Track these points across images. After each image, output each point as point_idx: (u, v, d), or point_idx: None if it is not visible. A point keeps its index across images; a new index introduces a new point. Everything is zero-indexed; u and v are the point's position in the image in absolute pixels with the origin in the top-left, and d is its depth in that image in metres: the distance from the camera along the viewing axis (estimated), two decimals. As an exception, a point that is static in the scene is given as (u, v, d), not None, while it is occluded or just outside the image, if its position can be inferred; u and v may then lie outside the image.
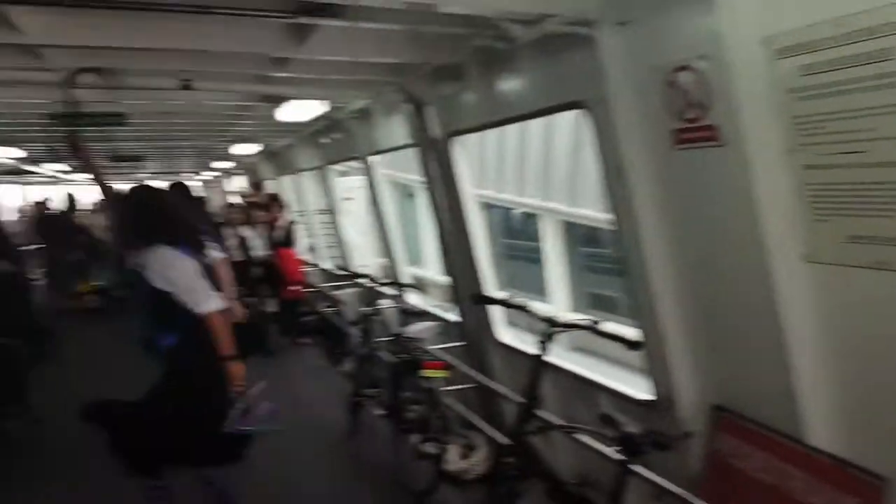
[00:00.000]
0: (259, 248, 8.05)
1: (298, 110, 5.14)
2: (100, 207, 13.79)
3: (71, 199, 12.54)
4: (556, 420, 3.10)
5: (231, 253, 6.38)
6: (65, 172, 14.63)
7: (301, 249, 8.46)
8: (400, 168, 11.20)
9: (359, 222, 10.30)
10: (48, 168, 13.00)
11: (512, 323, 4.93)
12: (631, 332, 2.99)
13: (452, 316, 5.49)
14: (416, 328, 5.40)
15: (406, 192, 12.37)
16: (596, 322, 2.78)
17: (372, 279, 5.43)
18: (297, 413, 5.51)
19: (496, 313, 4.83)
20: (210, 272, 3.19)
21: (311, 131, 7.44)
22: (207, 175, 17.15)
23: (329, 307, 8.11)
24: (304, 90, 4.81)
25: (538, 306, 3.30)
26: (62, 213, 11.85)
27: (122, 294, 11.20)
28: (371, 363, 5.06)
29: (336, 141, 7.25)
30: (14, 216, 13.82)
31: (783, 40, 2.20)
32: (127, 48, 3.70)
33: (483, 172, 11.75)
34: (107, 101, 5.61)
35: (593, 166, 4.15)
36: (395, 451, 4.36)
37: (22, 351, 5.19)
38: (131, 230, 3.17)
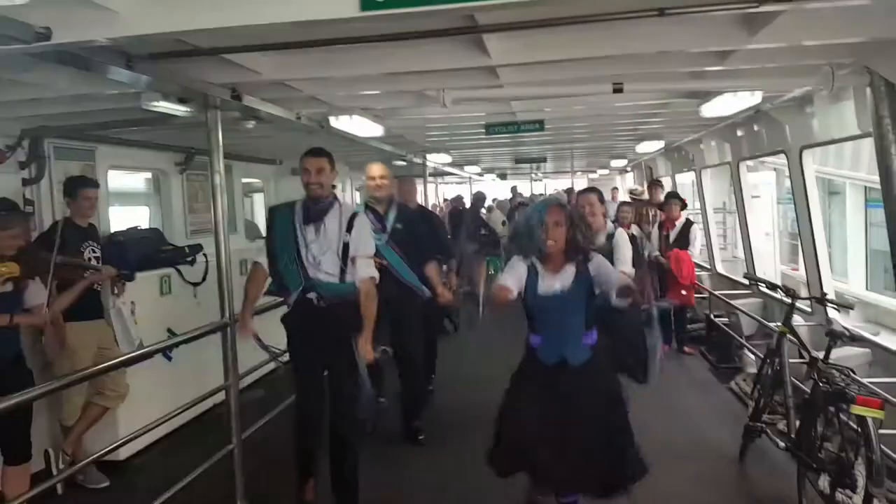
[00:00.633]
0: (650, 248, 7.92)
1: (728, 105, 4.80)
2: (497, 206, 15.47)
3: (478, 196, 14.23)
4: None
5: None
6: (478, 174, 16.70)
7: (696, 251, 8.00)
8: (821, 162, 9.92)
9: (761, 224, 9.40)
10: (468, 170, 14.95)
11: None
12: None
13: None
14: (845, 354, 4.63)
15: (828, 191, 10.83)
16: None
17: (787, 290, 4.80)
18: (678, 428, 5.22)
19: None
20: None
21: (724, 125, 6.95)
22: (601, 173, 17.67)
23: (718, 316, 7.55)
24: (739, 82, 4.47)
25: None
26: (468, 208, 13.51)
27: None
28: (776, 388, 4.47)
29: (755, 134, 6.64)
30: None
31: None
32: (565, 60, 3.89)
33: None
34: (531, 111, 6.14)
35: None
36: (798, 491, 3.79)
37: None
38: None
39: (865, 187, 10.70)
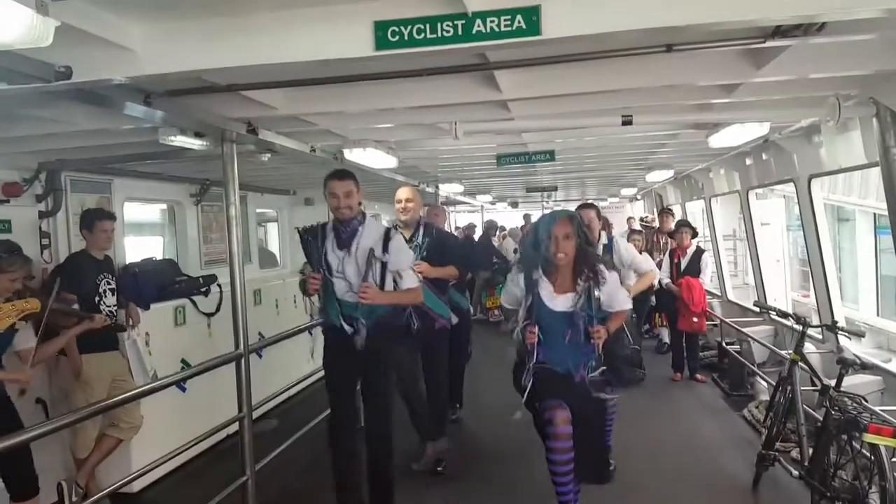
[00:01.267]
0: (659, 275, 7.91)
1: (736, 135, 4.85)
2: (509, 234, 15.58)
3: (490, 224, 14.35)
4: None
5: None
6: (490, 203, 16.80)
7: (707, 279, 8.01)
8: (831, 189, 9.93)
9: (771, 251, 9.39)
10: (480, 199, 15.05)
11: None
12: None
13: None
14: (857, 382, 4.62)
15: (838, 217, 10.83)
16: None
17: (797, 318, 4.80)
18: (691, 456, 5.22)
19: None
20: None
21: (733, 154, 7.00)
22: (611, 201, 17.72)
23: (730, 344, 7.52)
24: (746, 114, 4.53)
25: None
26: (481, 236, 13.60)
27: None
28: (788, 415, 4.47)
29: (764, 163, 6.68)
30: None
31: None
32: (575, 94, 3.96)
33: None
34: (542, 142, 6.20)
35: None
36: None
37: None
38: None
39: (875, 214, 10.68)
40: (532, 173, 9.61)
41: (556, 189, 12.35)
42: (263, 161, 5.15)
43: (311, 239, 3.93)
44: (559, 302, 3.40)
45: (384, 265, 3.79)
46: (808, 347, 4.97)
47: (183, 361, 5.45)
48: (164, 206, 7.27)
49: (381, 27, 2.52)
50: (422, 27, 2.48)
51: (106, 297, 4.67)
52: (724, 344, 7.57)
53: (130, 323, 4.91)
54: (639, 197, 15.87)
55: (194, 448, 4.31)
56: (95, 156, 5.15)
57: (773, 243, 11.06)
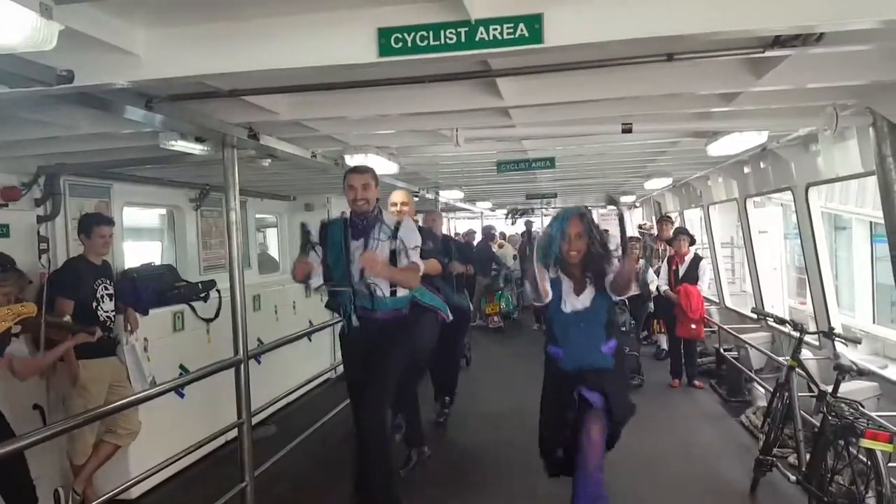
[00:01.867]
0: (656, 282, 7.96)
1: (734, 143, 4.87)
2: (508, 241, 15.60)
3: (488, 231, 14.37)
4: None
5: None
6: (489, 209, 16.82)
7: (705, 286, 8.04)
8: (828, 198, 9.98)
9: (768, 259, 9.42)
10: (480, 205, 15.09)
11: None
12: None
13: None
14: (854, 387, 4.64)
15: (835, 226, 10.87)
16: None
17: (795, 325, 4.82)
18: (689, 461, 5.25)
19: None
20: None
21: (732, 162, 7.03)
22: (610, 208, 17.76)
23: (728, 350, 7.55)
24: (745, 123, 4.55)
25: None
26: (480, 241, 13.62)
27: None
28: (786, 421, 4.51)
29: (762, 171, 6.71)
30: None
31: None
32: (575, 102, 3.98)
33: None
34: (542, 149, 6.22)
35: None
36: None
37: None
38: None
39: (871, 223, 10.73)
40: (532, 180, 9.62)
41: (555, 196, 12.37)
42: (264, 166, 5.15)
43: (333, 231, 4.02)
44: (577, 300, 3.45)
45: (393, 252, 3.91)
46: (805, 354, 5.00)
47: (181, 367, 5.43)
48: (164, 210, 7.26)
49: (384, 34, 2.53)
50: (425, 34, 2.50)
51: (103, 302, 4.65)
52: (721, 350, 7.60)
53: (129, 328, 4.90)
54: (637, 204, 15.90)
55: (193, 454, 4.29)
56: (95, 160, 5.14)
57: (771, 251, 11.11)
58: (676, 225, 9.64)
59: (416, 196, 9.40)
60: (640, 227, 11.88)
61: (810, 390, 4.32)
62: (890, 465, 3.27)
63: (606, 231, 4.18)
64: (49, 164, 5.09)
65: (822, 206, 8.64)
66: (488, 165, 7.18)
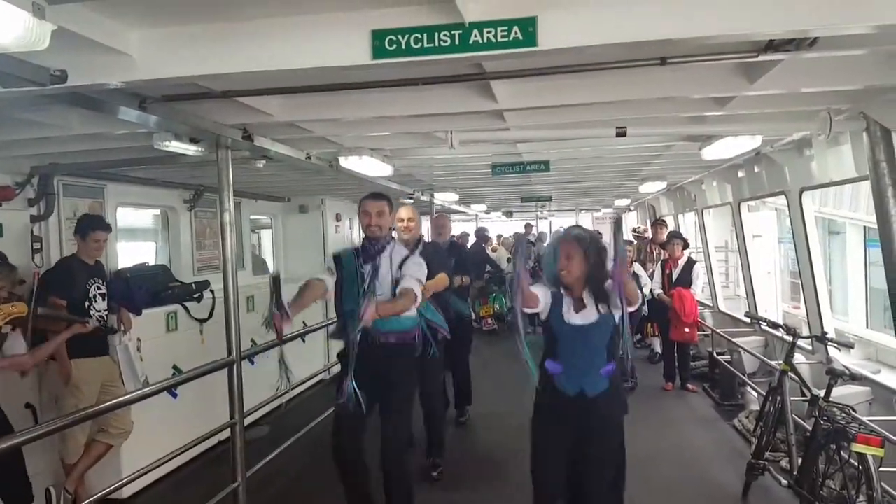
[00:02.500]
0: (650, 286, 7.98)
1: (728, 148, 4.89)
2: (502, 244, 15.59)
3: (481, 233, 14.36)
4: None
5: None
6: (484, 212, 16.83)
7: (698, 290, 8.06)
8: (822, 202, 10.01)
9: (762, 263, 9.44)
10: (474, 208, 15.08)
11: None
12: None
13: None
14: (846, 392, 4.67)
15: (829, 230, 10.91)
16: None
17: (788, 329, 4.84)
18: (681, 465, 5.27)
19: None
20: None
21: (726, 166, 7.05)
22: (605, 211, 17.79)
23: (721, 354, 7.57)
24: (739, 127, 4.57)
25: None
26: (473, 244, 13.61)
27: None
28: (778, 425, 4.53)
29: (755, 175, 6.73)
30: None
31: None
32: (570, 105, 3.99)
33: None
34: (537, 152, 6.23)
35: None
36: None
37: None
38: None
39: (865, 227, 10.77)
40: (527, 183, 9.64)
41: (550, 199, 12.40)
42: (258, 167, 5.14)
43: (347, 260, 3.95)
44: (577, 317, 3.37)
45: (397, 283, 3.82)
46: (798, 358, 5.03)
47: (175, 368, 5.42)
48: (158, 211, 7.25)
49: (378, 36, 2.53)
50: (419, 36, 2.50)
51: (96, 301, 4.64)
52: (715, 354, 7.61)
53: (122, 328, 4.89)
54: (632, 208, 15.94)
55: (185, 454, 4.29)
56: (89, 160, 5.13)
57: (765, 255, 11.12)
58: (671, 229, 9.68)
59: (411, 198, 9.43)
60: (634, 230, 11.92)
61: (803, 394, 4.34)
62: (881, 469, 3.29)
63: (600, 234, 4.20)
64: (43, 164, 5.08)
65: (816, 210, 8.67)
66: (483, 168, 7.18)
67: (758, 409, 5.31)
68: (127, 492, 4.70)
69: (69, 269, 4.59)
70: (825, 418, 3.75)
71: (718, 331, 7.84)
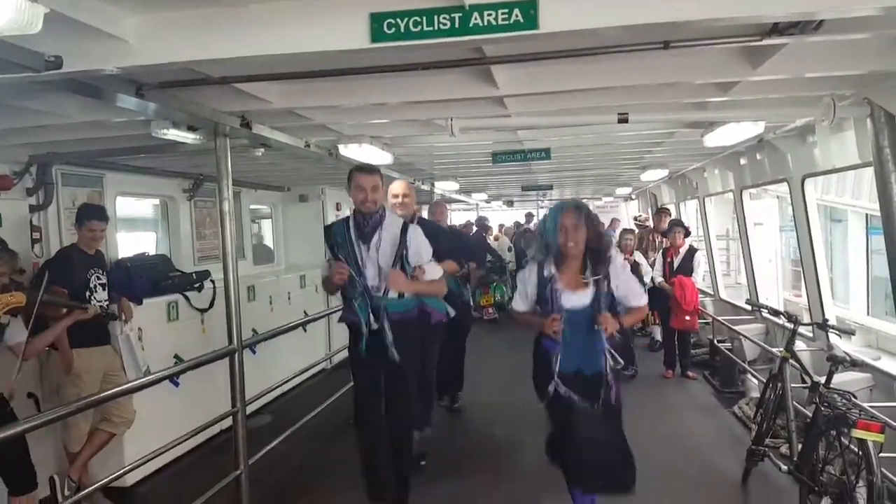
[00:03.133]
0: (651, 274, 7.98)
1: (731, 134, 4.85)
2: (503, 233, 15.55)
3: (482, 222, 14.35)
4: None
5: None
6: (485, 201, 16.79)
7: (699, 278, 8.05)
8: (824, 190, 9.98)
9: (764, 251, 9.41)
10: (475, 197, 15.04)
11: None
12: None
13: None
14: (847, 379, 4.66)
15: (831, 218, 10.87)
16: None
17: (789, 316, 4.83)
18: (681, 452, 5.27)
19: None
20: None
21: (728, 153, 7.01)
22: (606, 200, 17.77)
23: (722, 341, 7.57)
24: (742, 113, 4.53)
25: None
26: (475, 233, 13.59)
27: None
28: (778, 411, 4.52)
29: (758, 163, 6.69)
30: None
31: None
32: (571, 91, 3.95)
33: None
34: (538, 139, 6.19)
35: None
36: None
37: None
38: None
39: (867, 215, 10.73)
40: (528, 171, 9.59)
41: (551, 188, 12.36)
42: (257, 156, 5.11)
43: (339, 233, 3.96)
44: (573, 298, 3.37)
45: (403, 257, 3.86)
46: (799, 345, 5.03)
47: (176, 357, 5.42)
48: (157, 201, 7.23)
49: (376, 19, 2.50)
50: (418, 20, 2.46)
51: (96, 291, 4.62)
52: (715, 342, 7.62)
53: (123, 318, 4.87)
54: (633, 196, 15.90)
55: (188, 443, 4.31)
56: (87, 149, 5.10)
57: (766, 243, 11.10)
58: (673, 217, 9.65)
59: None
60: (635, 218, 11.91)
61: (803, 381, 4.33)
62: (881, 455, 3.29)
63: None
64: (40, 152, 5.05)
65: (818, 198, 8.64)
66: (484, 156, 7.15)
67: (758, 396, 5.31)
68: (130, 479, 4.72)
69: (69, 258, 4.57)
70: (826, 404, 3.74)
71: (719, 318, 7.84)
